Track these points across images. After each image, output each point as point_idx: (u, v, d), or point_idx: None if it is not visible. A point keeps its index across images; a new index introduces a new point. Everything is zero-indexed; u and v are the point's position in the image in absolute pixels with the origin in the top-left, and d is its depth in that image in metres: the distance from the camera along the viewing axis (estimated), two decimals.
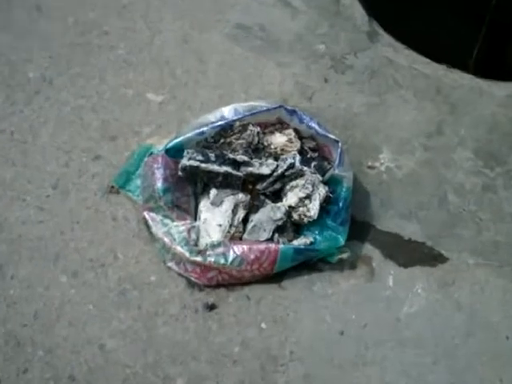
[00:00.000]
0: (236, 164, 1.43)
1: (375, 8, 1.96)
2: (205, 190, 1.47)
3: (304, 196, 1.42)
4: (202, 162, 1.41)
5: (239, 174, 1.42)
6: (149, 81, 1.74)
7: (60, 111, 1.67)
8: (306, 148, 1.53)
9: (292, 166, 1.44)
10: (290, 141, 1.51)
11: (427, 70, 1.81)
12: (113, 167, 1.58)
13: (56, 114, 1.66)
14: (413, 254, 1.50)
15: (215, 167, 1.41)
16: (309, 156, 1.51)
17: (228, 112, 1.51)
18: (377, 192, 1.59)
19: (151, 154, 1.51)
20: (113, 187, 1.54)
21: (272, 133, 1.53)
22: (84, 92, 1.71)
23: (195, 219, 1.45)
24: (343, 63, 1.82)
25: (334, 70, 1.80)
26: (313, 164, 1.49)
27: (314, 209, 1.42)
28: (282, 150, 1.50)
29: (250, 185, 1.46)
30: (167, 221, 1.41)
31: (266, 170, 1.43)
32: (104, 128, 1.65)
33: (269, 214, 1.41)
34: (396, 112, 1.73)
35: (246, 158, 1.43)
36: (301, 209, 1.43)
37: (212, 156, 1.42)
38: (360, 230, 1.52)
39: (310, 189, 1.43)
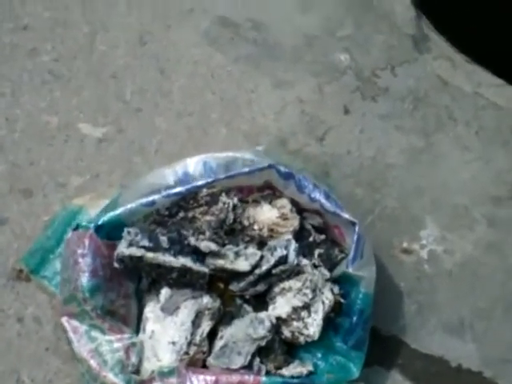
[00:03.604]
0: (200, 253, 1.42)
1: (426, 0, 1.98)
2: (153, 288, 1.46)
3: (300, 305, 1.41)
4: (148, 249, 1.39)
5: (203, 269, 1.40)
6: (84, 104, 1.75)
7: None
8: (307, 227, 1.52)
9: (283, 260, 1.42)
10: (283, 217, 1.49)
11: (500, 97, 1.84)
12: (23, 239, 1.57)
13: None
14: None
15: (168, 258, 1.39)
16: (311, 239, 1.50)
17: (194, 166, 1.49)
18: (413, 291, 1.58)
19: (77, 226, 1.47)
20: (21, 271, 1.53)
21: (257, 203, 1.52)
22: None
23: (137, 331, 1.44)
24: (374, 84, 1.84)
25: (361, 95, 1.82)
26: (317, 252, 1.48)
27: (314, 325, 1.41)
28: (272, 230, 1.48)
29: (220, 283, 1.45)
30: (95, 333, 1.39)
31: (243, 266, 1.41)
32: (12, 176, 1.65)
33: (247, 330, 1.39)
34: (449, 163, 1.74)
35: (213, 247, 1.41)
36: (295, 323, 1.41)
37: (164, 240, 1.40)
38: (385, 349, 1.51)
39: (310, 296, 1.41)
